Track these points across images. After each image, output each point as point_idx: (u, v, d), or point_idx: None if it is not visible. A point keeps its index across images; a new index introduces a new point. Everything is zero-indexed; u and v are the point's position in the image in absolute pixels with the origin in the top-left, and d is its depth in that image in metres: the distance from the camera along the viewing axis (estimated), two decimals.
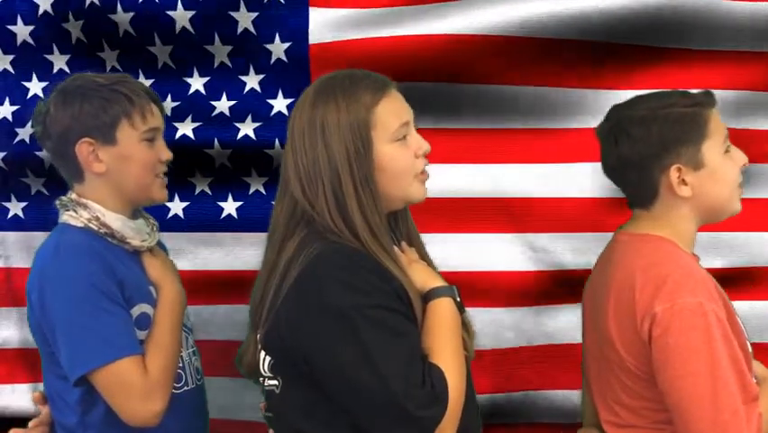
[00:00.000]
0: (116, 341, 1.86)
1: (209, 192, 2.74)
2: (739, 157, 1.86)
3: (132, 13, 2.65)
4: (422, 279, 1.71)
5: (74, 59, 2.70)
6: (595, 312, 1.90)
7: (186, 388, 2.03)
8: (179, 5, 2.64)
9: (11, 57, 2.74)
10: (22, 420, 2.05)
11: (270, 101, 2.69)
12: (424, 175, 1.73)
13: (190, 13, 2.64)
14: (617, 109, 1.91)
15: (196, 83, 2.71)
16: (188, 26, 2.65)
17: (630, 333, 1.77)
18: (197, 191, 2.75)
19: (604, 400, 1.89)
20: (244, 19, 2.64)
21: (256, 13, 2.64)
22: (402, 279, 1.65)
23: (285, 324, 1.64)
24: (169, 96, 2.69)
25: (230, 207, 2.74)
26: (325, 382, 1.61)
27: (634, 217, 1.91)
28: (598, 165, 1.94)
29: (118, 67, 2.68)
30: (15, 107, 2.75)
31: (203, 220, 2.74)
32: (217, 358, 2.38)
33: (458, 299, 1.71)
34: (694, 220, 1.86)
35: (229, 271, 2.73)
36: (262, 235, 1.78)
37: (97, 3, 2.64)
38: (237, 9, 2.63)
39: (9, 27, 2.71)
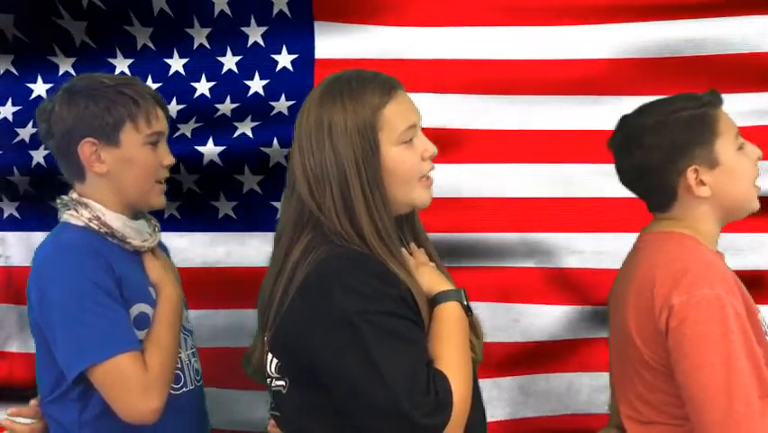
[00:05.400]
0: (115, 337, 1.85)
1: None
2: (752, 151, 1.89)
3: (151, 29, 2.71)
4: (429, 282, 1.70)
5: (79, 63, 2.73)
6: (617, 309, 1.92)
7: (185, 389, 2.02)
8: (196, 23, 2.69)
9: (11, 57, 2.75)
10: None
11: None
12: (428, 180, 1.73)
13: (206, 30, 2.70)
14: (626, 119, 1.94)
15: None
16: (205, 42, 2.71)
17: (649, 326, 1.78)
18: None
19: (625, 395, 1.90)
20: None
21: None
22: (409, 283, 1.64)
23: (290, 328, 1.64)
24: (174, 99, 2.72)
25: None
26: (330, 387, 1.60)
27: (656, 219, 1.94)
28: None
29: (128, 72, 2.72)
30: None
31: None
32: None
33: (465, 303, 1.70)
34: (715, 219, 1.88)
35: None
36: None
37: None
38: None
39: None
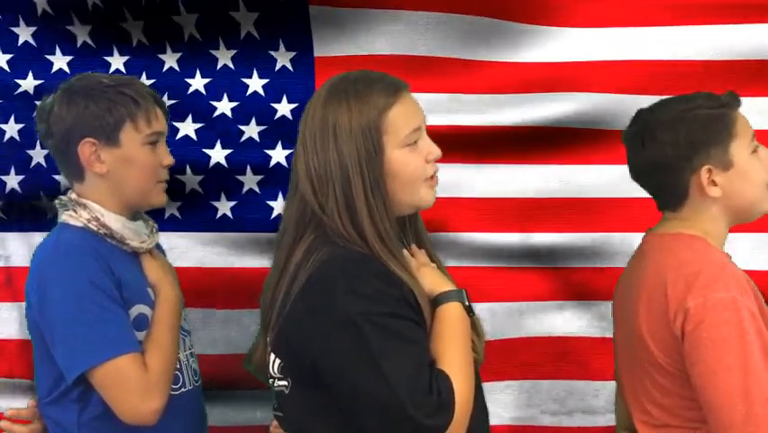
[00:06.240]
0: (116, 338, 1.85)
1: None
2: (766, 156, 1.87)
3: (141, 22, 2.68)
4: (431, 283, 1.70)
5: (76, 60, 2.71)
6: (625, 312, 1.90)
7: (183, 390, 2.02)
8: (182, 9, 2.66)
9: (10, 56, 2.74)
10: None
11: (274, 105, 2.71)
12: (433, 180, 1.72)
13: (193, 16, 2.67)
14: (642, 113, 1.92)
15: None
16: (195, 32, 2.68)
17: (663, 330, 1.77)
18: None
19: (637, 399, 1.89)
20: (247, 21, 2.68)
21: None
22: (411, 283, 1.64)
23: (293, 329, 1.64)
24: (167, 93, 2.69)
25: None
26: (333, 387, 1.60)
27: (663, 219, 1.93)
28: None
29: (122, 69, 2.69)
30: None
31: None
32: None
33: (467, 303, 1.70)
34: (724, 220, 1.87)
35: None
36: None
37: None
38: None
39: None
